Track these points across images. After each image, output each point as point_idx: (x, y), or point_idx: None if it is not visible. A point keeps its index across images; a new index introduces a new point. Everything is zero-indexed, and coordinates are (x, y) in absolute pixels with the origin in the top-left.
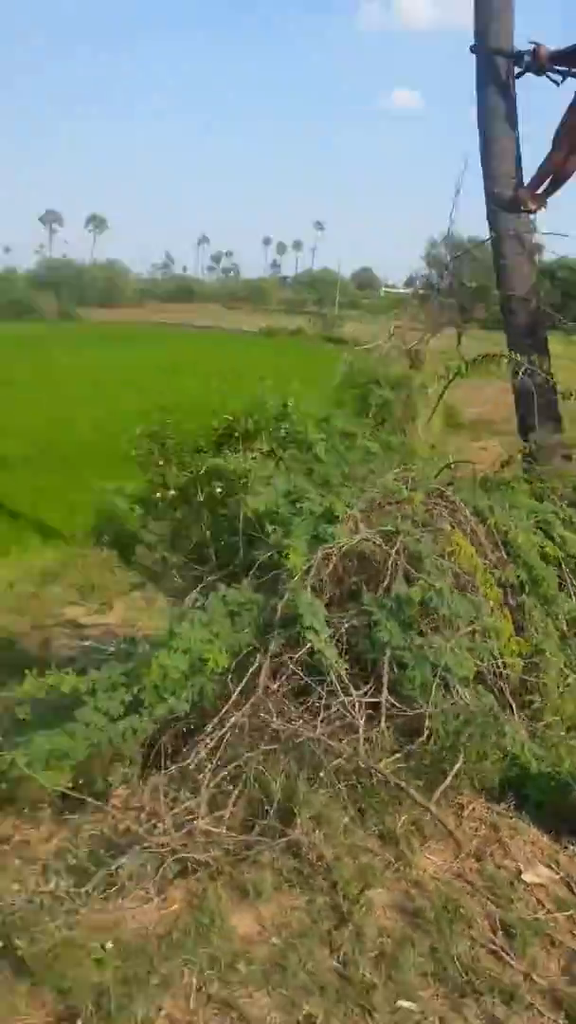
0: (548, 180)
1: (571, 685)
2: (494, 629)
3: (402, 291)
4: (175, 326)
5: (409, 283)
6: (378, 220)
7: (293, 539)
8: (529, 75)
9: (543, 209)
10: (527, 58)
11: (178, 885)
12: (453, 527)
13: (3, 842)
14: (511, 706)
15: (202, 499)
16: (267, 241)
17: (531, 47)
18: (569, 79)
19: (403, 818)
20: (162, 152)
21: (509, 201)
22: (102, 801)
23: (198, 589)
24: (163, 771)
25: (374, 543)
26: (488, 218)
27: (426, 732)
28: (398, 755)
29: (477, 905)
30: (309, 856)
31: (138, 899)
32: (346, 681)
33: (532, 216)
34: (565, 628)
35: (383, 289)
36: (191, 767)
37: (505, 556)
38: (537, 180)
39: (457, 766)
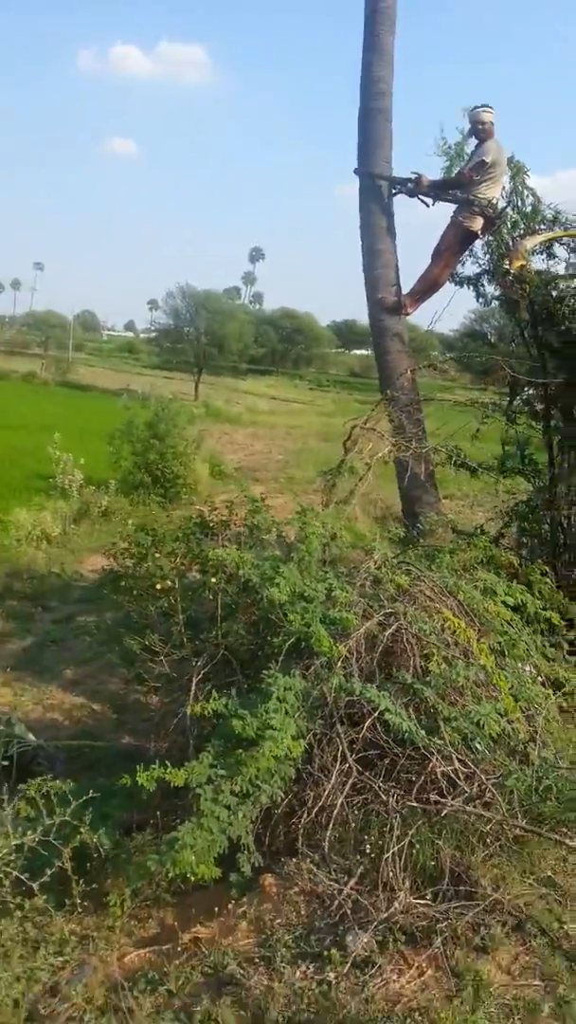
0: (425, 288)
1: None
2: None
3: (125, 334)
4: None
5: (130, 327)
6: (96, 263)
7: (315, 627)
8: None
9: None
10: (410, 184)
11: (418, 953)
12: (434, 603)
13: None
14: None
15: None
16: None
17: (414, 175)
18: (439, 203)
19: (545, 863)
20: None
21: (392, 306)
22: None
23: (197, 678)
24: (296, 857)
25: (380, 624)
26: (371, 316)
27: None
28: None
29: None
30: (510, 911)
31: (390, 971)
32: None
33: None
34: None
35: (105, 332)
36: (326, 849)
37: (479, 625)
38: (417, 288)
39: None
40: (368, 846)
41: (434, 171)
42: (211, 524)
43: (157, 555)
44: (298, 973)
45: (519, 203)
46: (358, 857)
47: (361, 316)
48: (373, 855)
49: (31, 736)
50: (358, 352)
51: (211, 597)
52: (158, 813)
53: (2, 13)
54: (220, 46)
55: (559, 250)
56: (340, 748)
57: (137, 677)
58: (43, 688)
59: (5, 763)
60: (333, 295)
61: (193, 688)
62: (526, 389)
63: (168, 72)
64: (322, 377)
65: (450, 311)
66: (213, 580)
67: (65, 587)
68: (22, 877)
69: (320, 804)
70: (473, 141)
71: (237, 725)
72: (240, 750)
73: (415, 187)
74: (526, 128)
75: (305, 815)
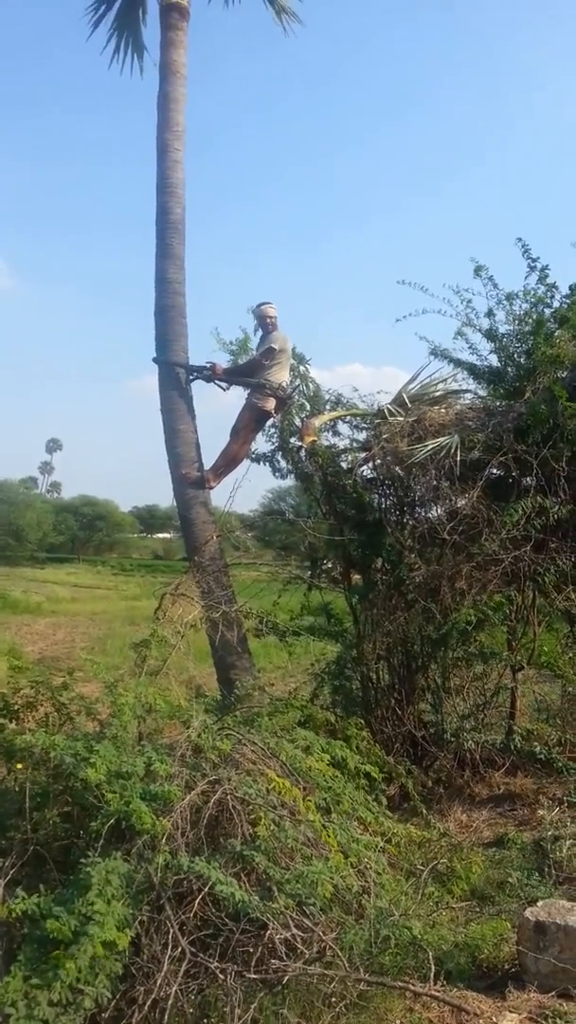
0: (225, 463)
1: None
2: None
3: None
4: None
5: None
6: None
7: (135, 804)
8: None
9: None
10: (206, 371)
11: None
12: (257, 765)
13: None
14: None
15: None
16: None
17: (209, 364)
18: (234, 387)
19: (393, 1015)
20: None
21: (196, 480)
22: None
23: (4, 881)
24: None
25: (203, 793)
26: (175, 491)
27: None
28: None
29: None
30: None
31: None
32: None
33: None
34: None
35: None
36: None
37: (304, 783)
38: (219, 463)
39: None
40: None
41: (224, 363)
42: (15, 707)
43: None
44: None
45: (304, 388)
46: None
47: (162, 501)
48: None
49: None
50: (161, 536)
51: (17, 789)
52: None
53: None
54: (18, 258)
55: (343, 428)
56: (170, 932)
57: None
58: None
59: None
60: (133, 483)
61: (0, 893)
62: (325, 560)
63: None
64: (125, 562)
65: (249, 491)
66: (19, 767)
67: None
68: None
69: (152, 998)
70: (259, 334)
71: (52, 926)
72: (57, 951)
73: (211, 373)
74: (312, 329)
75: (136, 1013)
